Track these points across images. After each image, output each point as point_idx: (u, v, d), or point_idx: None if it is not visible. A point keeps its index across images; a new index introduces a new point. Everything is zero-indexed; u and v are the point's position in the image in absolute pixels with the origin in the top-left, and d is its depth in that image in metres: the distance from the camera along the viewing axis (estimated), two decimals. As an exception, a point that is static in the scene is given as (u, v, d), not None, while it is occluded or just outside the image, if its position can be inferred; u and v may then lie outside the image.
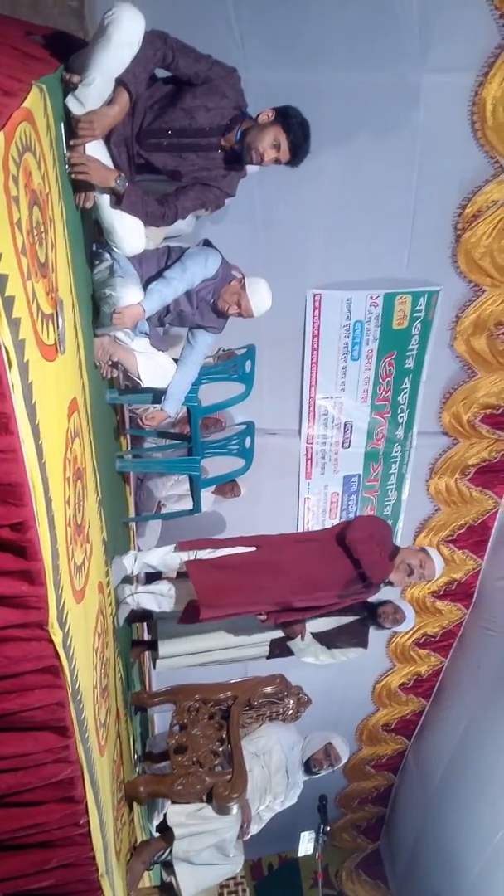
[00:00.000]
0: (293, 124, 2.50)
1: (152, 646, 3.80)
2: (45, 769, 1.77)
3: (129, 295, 2.70)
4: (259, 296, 3.09)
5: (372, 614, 3.73)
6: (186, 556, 3.33)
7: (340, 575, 3.22)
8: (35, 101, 1.66)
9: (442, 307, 4.89)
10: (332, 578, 3.23)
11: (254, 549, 3.33)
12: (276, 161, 2.56)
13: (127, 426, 4.06)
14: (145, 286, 2.85)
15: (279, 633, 3.63)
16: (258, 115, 2.52)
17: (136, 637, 4.10)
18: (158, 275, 2.90)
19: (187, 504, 4.36)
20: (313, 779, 3.75)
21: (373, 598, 3.64)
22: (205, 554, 3.32)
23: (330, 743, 3.73)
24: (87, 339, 2.51)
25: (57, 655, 1.61)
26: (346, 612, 3.68)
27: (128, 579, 3.41)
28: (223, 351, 4.27)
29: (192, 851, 3.07)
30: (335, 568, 3.24)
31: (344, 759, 3.78)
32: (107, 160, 2.39)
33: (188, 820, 3.07)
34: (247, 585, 3.15)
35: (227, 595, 3.11)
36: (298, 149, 2.54)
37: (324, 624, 3.69)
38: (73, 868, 2.08)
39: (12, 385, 1.32)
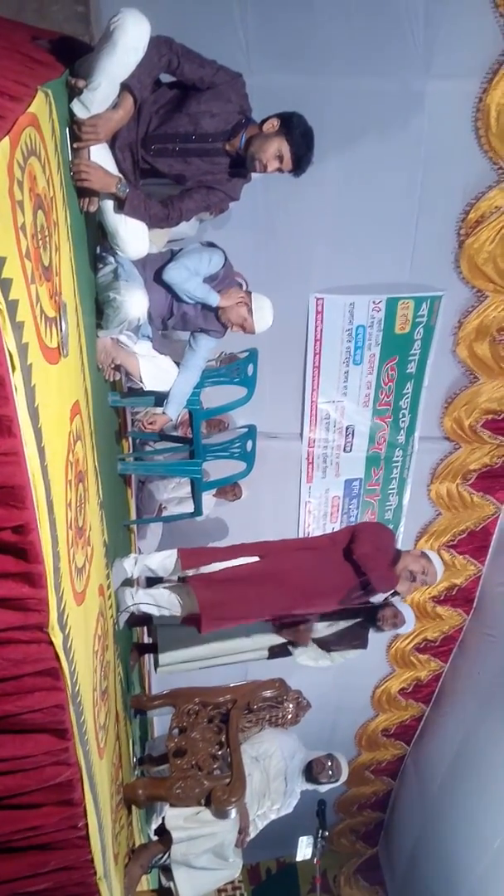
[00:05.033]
0: (297, 135, 2.50)
1: (152, 649, 3.81)
2: (44, 771, 1.77)
3: (132, 298, 2.71)
4: (261, 312, 3.14)
5: (371, 618, 3.72)
6: (190, 571, 3.33)
7: (343, 583, 3.24)
8: (40, 105, 1.67)
9: (444, 312, 4.89)
10: (335, 586, 3.24)
11: (257, 558, 3.33)
12: (279, 171, 2.58)
13: (129, 429, 4.06)
14: (148, 289, 2.86)
15: (279, 639, 3.63)
16: (263, 123, 2.53)
17: (137, 640, 4.10)
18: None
19: (188, 507, 4.36)
20: (311, 790, 3.74)
21: (374, 599, 3.63)
22: (208, 569, 3.32)
23: (332, 754, 3.74)
24: (89, 342, 2.52)
25: (57, 658, 1.61)
26: (345, 616, 3.69)
27: (128, 582, 3.41)
28: (225, 355, 4.28)
29: (191, 855, 3.06)
30: (338, 576, 3.25)
31: (343, 776, 3.77)
32: (111, 164, 2.39)
33: (186, 823, 3.06)
34: (250, 597, 3.17)
35: (230, 608, 3.15)
36: (301, 159, 2.55)
37: (323, 629, 3.69)
38: (71, 871, 2.08)
39: (15, 388, 1.32)
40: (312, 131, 2.55)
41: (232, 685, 3.50)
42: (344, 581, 3.23)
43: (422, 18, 3.77)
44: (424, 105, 4.04)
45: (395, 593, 3.45)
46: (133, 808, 3.15)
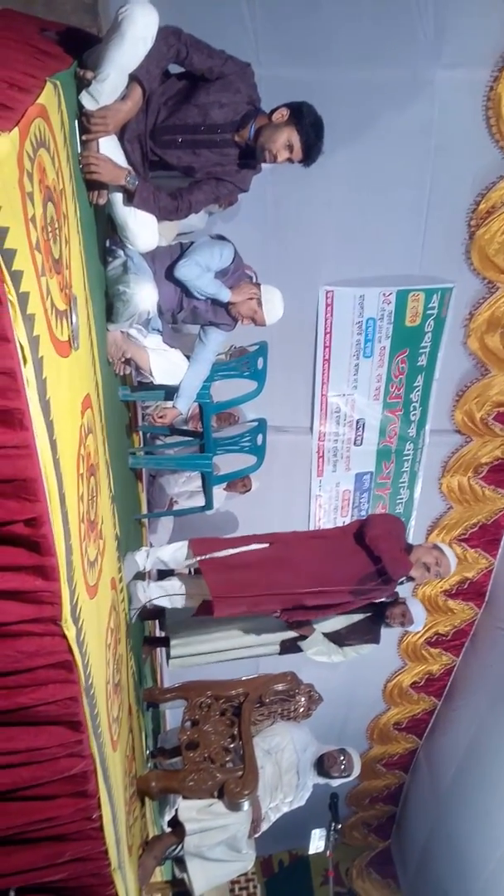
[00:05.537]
0: (306, 125, 2.49)
1: (164, 642, 3.82)
2: (59, 763, 1.78)
3: (142, 292, 2.71)
4: (271, 304, 3.14)
5: (380, 613, 3.71)
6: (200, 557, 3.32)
7: (355, 570, 3.21)
8: (49, 97, 1.66)
9: (455, 304, 4.86)
10: (346, 574, 3.20)
11: (267, 545, 3.33)
12: (289, 160, 2.56)
13: (139, 423, 4.06)
14: (158, 283, 2.85)
15: (290, 634, 3.63)
16: (272, 113, 2.51)
17: (149, 633, 4.11)
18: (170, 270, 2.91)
19: (199, 501, 4.36)
20: (322, 784, 3.74)
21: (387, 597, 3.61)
22: (219, 554, 3.31)
23: (344, 749, 3.73)
24: (100, 336, 2.52)
25: (70, 650, 1.62)
26: (355, 610, 3.67)
27: (140, 575, 3.42)
28: (235, 348, 4.28)
29: (204, 847, 3.07)
30: (349, 563, 3.22)
31: (356, 771, 3.76)
32: (120, 156, 2.39)
33: (199, 815, 3.07)
34: (260, 581, 3.14)
35: (240, 592, 3.11)
36: (311, 149, 2.54)
37: (335, 624, 3.68)
38: (86, 862, 2.09)
39: (27, 381, 1.32)
40: (322, 120, 2.54)
41: (244, 678, 3.49)
42: (356, 568, 3.20)
43: (431, 7, 3.73)
44: (434, 95, 4.00)
45: (410, 579, 3.42)
46: (146, 799, 3.16)
